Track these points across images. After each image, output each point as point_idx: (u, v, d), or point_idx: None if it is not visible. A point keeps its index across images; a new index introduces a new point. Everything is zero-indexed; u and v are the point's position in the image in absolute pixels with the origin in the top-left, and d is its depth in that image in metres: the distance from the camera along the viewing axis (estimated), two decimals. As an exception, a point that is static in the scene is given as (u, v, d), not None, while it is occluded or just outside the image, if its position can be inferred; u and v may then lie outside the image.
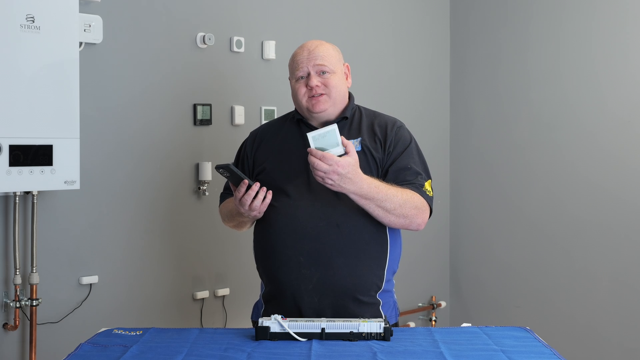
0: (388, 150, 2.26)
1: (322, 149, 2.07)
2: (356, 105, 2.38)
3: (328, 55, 2.29)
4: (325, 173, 2.06)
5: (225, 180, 2.46)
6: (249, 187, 2.14)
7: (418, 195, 2.21)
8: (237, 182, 2.15)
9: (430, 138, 4.25)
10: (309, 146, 2.08)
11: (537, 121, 4.13)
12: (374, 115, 2.36)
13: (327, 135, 2.08)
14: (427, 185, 2.26)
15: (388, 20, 4.15)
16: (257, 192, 2.15)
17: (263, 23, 3.52)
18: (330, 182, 2.08)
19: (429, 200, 2.24)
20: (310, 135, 2.08)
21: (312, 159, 2.07)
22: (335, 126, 2.10)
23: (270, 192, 2.17)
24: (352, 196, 2.13)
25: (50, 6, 2.61)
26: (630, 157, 3.77)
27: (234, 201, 2.22)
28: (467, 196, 4.47)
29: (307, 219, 2.19)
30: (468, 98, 4.45)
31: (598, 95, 3.89)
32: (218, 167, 2.11)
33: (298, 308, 2.21)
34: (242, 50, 3.41)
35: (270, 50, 3.51)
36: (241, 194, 2.15)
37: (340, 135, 2.11)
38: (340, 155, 2.08)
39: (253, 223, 2.42)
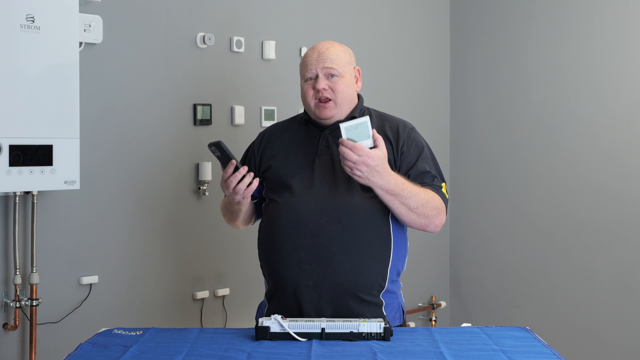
0: (401, 151, 2.27)
1: (353, 141, 2.07)
2: (365, 106, 2.39)
3: (338, 58, 2.28)
4: (354, 163, 2.06)
5: None
6: (237, 169, 2.13)
7: (438, 196, 2.23)
8: (226, 162, 2.15)
9: (430, 138, 4.19)
10: (341, 136, 2.07)
11: (537, 121, 4.13)
12: (384, 117, 2.37)
13: (359, 127, 2.08)
14: (444, 188, 2.28)
15: (388, 20, 4.15)
16: (244, 176, 2.14)
17: (263, 23, 3.52)
18: (358, 173, 2.08)
19: (446, 202, 2.27)
20: (343, 126, 2.08)
21: (342, 149, 2.07)
22: (367, 118, 2.09)
23: (257, 179, 2.17)
24: (378, 191, 2.13)
25: (50, 6, 2.60)
26: (630, 157, 3.77)
27: (220, 183, 2.22)
28: (467, 196, 4.47)
29: (308, 215, 2.20)
30: (468, 98, 4.45)
31: (598, 95, 3.89)
32: (210, 145, 2.11)
33: (298, 304, 2.21)
34: (242, 50, 3.41)
35: (270, 50, 3.51)
36: (227, 174, 2.14)
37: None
38: (370, 148, 2.08)
39: (248, 221, 2.42)
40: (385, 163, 2.11)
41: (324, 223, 2.19)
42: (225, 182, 2.16)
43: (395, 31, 4.19)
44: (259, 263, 2.36)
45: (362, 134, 2.08)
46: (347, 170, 2.09)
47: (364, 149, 2.06)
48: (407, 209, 2.17)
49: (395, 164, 2.26)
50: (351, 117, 2.31)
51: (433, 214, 2.21)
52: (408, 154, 2.28)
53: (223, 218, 2.50)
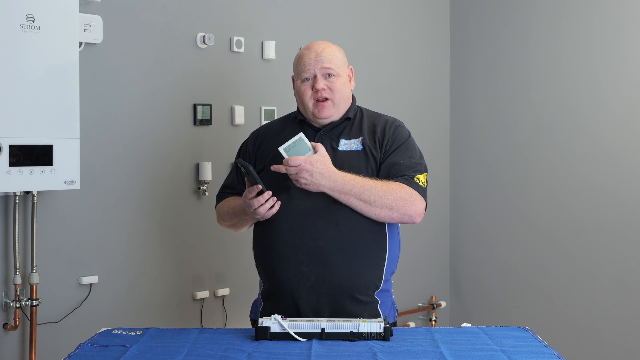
0: (385, 149, 2.27)
1: None
2: (358, 106, 2.39)
3: (335, 58, 2.30)
4: (296, 174, 2.11)
5: (224, 179, 2.52)
6: (260, 192, 2.15)
7: (405, 186, 2.20)
8: (252, 182, 2.18)
9: (430, 138, 4.25)
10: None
11: (537, 121, 4.13)
12: (375, 116, 2.37)
13: (296, 144, 2.16)
14: (421, 177, 2.24)
15: (388, 20, 4.15)
16: (267, 200, 2.17)
17: (263, 23, 3.52)
18: (304, 180, 2.12)
19: (421, 190, 2.22)
20: (282, 149, 2.16)
21: (282, 167, 2.13)
22: (301, 134, 2.17)
23: (279, 202, 2.18)
24: (332, 194, 2.15)
25: (50, 6, 2.61)
26: (630, 157, 3.77)
27: (242, 198, 2.24)
28: (467, 196, 4.47)
29: (306, 217, 2.20)
30: (468, 98, 4.45)
31: (598, 95, 3.89)
32: (241, 162, 2.16)
33: (296, 306, 2.21)
34: (242, 50, 3.41)
35: (270, 50, 3.51)
36: (252, 195, 2.16)
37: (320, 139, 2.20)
38: None
39: (251, 225, 2.42)
40: (327, 164, 2.13)
41: (322, 226, 2.19)
42: (248, 202, 2.19)
43: (395, 31, 4.19)
44: (257, 262, 2.36)
45: (302, 149, 2.15)
46: (296, 183, 2.14)
47: (299, 158, 2.11)
48: (366, 204, 2.16)
49: (381, 161, 2.26)
50: (346, 117, 2.33)
51: (399, 204, 2.17)
52: (390, 150, 2.27)
53: (221, 223, 2.48)
